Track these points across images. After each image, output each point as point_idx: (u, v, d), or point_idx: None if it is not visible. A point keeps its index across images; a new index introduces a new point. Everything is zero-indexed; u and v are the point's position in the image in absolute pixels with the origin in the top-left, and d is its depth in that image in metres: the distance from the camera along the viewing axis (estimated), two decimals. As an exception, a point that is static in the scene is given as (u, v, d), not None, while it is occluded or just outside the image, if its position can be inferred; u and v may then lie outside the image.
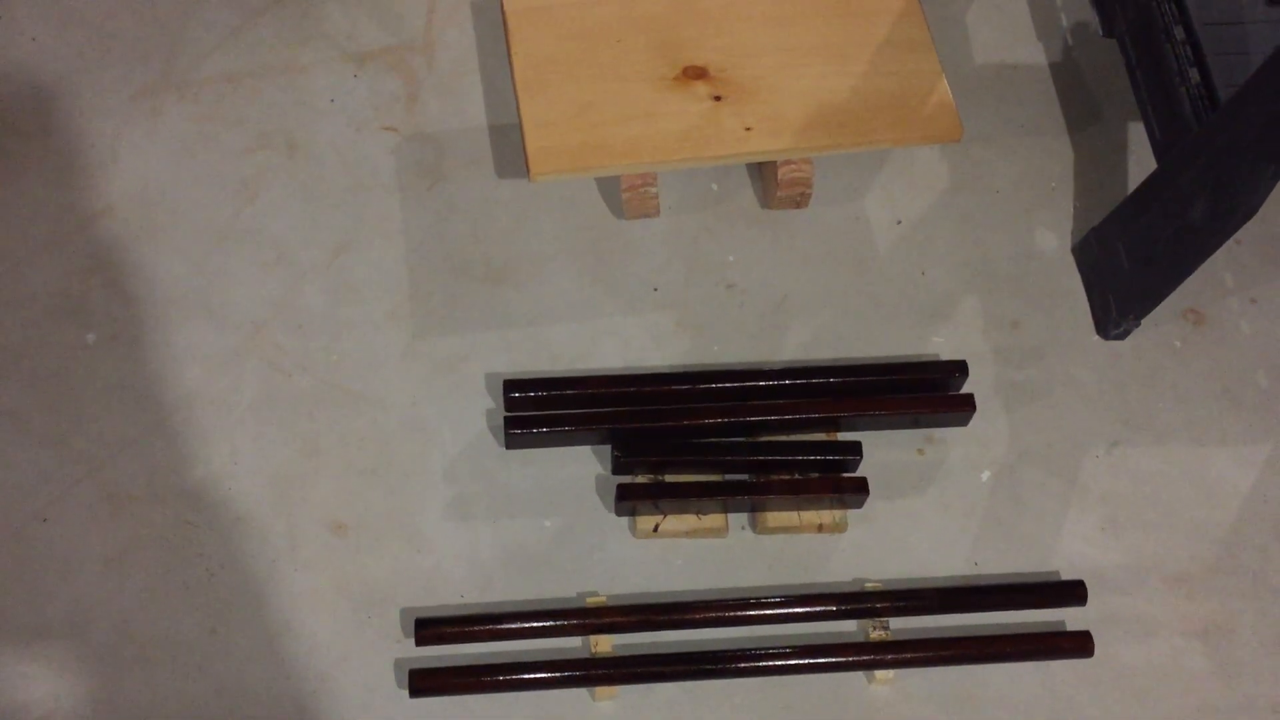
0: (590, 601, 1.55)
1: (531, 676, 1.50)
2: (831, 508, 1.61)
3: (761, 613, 1.54)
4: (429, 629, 1.51)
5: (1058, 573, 1.63)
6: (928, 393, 1.68)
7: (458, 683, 1.49)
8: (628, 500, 1.58)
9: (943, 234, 1.82)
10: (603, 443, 1.65)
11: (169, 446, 1.63)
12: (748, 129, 1.68)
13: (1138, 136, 1.90)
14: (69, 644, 1.53)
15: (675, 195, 1.82)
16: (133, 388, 1.66)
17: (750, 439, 1.65)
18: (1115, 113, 1.92)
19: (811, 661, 1.52)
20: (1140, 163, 1.88)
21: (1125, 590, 1.62)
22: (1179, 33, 1.63)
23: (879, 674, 1.54)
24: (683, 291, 1.76)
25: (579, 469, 1.64)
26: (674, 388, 1.65)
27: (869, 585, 1.58)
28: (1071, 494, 1.67)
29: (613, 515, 1.62)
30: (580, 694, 1.53)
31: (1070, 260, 1.82)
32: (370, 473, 1.63)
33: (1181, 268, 1.65)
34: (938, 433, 1.69)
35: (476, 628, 1.52)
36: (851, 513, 1.63)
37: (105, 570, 1.56)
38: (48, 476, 1.60)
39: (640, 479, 1.61)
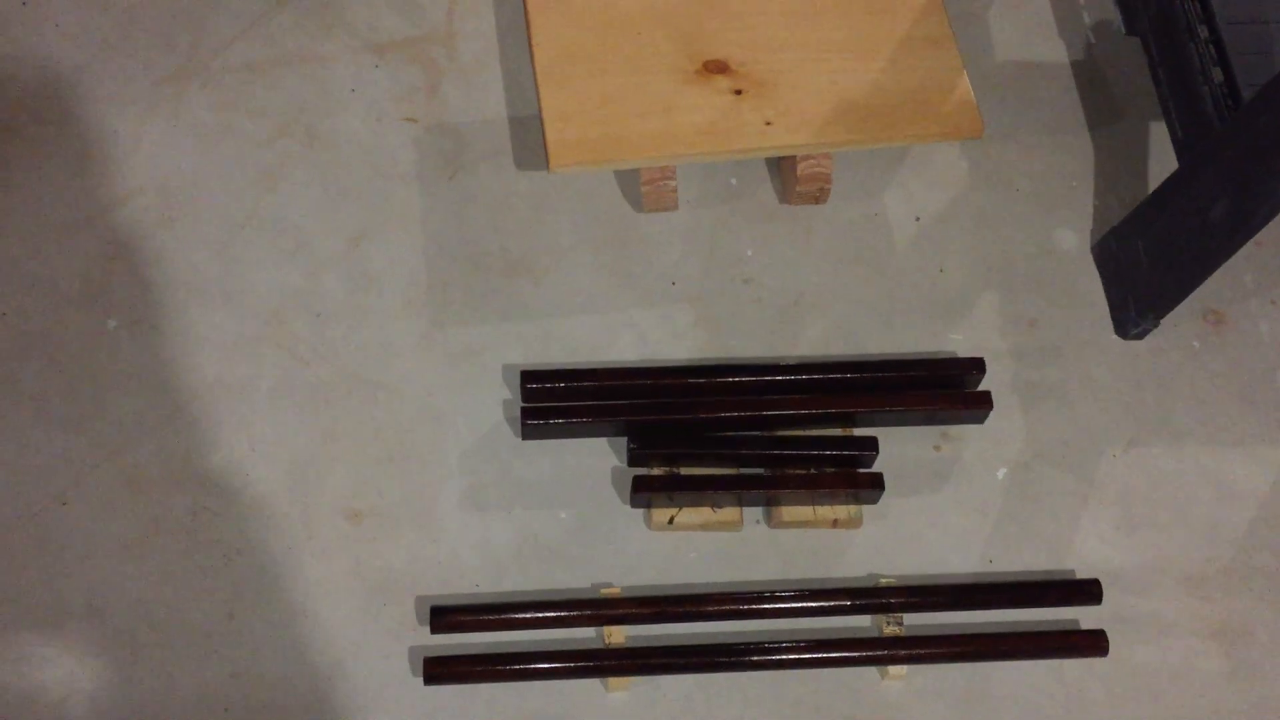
0: (604, 593, 1.55)
1: (545, 666, 1.50)
2: (847, 503, 1.61)
3: (775, 606, 1.54)
4: (444, 617, 1.52)
5: (1073, 571, 1.62)
6: (945, 390, 1.68)
7: (472, 671, 1.50)
8: (643, 492, 1.58)
9: (961, 231, 1.82)
10: (618, 435, 1.65)
11: (187, 432, 1.64)
12: (768, 123, 1.68)
13: (1159, 135, 1.89)
14: (86, 626, 1.54)
15: (694, 189, 1.82)
16: (152, 373, 1.67)
17: (766, 433, 1.65)
18: (1136, 111, 1.91)
19: (824, 656, 1.53)
20: (1161, 162, 1.87)
21: (1140, 590, 1.62)
22: (1203, 31, 1.63)
23: (892, 669, 1.54)
24: (700, 285, 1.76)
25: (594, 461, 1.65)
26: (690, 381, 1.65)
27: (883, 581, 1.58)
28: (1087, 493, 1.67)
29: (628, 507, 1.62)
30: (593, 684, 1.54)
31: (1089, 259, 1.81)
32: (386, 461, 1.64)
33: (1201, 268, 1.64)
34: (954, 430, 1.69)
35: (491, 617, 1.52)
36: (867, 508, 1.63)
37: (123, 554, 1.57)
38: (67, 460, 1.61)
39: (656, 471, 1.61)
